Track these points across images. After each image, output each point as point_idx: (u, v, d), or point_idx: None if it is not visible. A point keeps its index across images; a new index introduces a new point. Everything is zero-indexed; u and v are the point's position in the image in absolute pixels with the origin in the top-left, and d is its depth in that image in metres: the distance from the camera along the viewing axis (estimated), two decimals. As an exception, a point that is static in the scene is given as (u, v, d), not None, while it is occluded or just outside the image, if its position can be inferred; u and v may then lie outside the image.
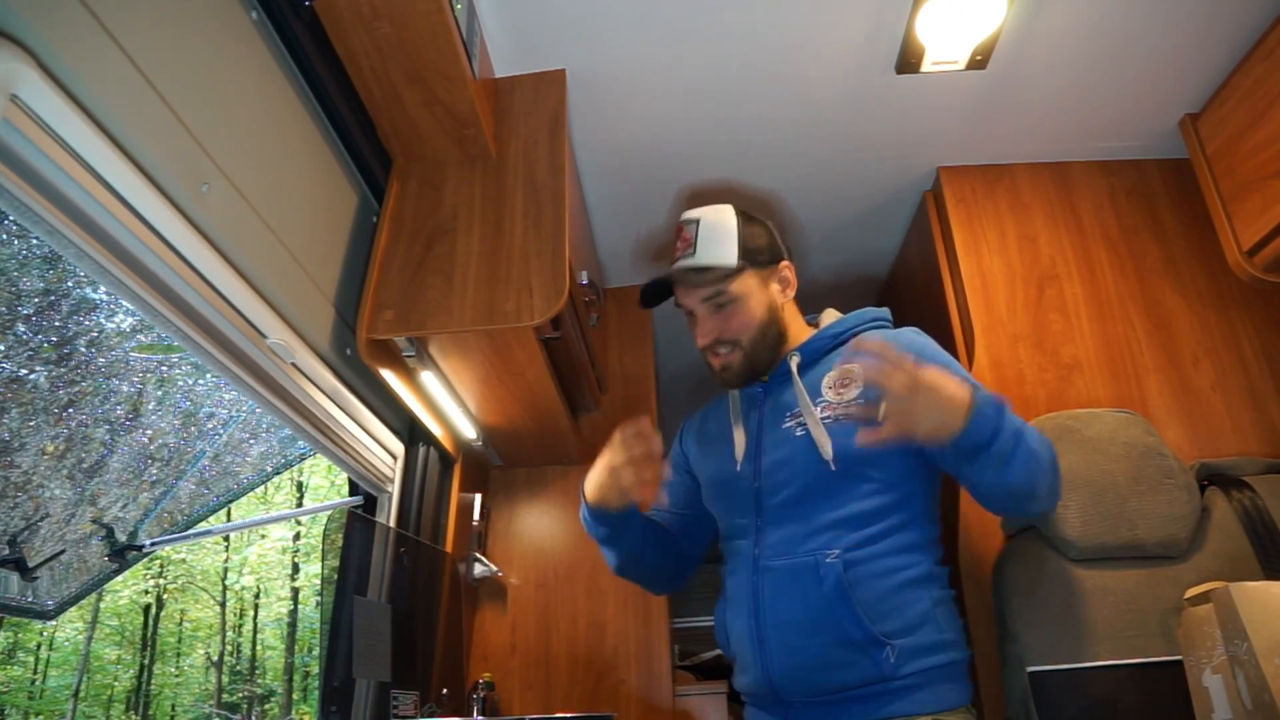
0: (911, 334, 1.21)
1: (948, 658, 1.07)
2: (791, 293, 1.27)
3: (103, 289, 1.68)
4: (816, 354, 1.22)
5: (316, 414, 1.41)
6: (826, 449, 1.10)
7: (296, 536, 11.51)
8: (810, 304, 1.35)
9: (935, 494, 1.18)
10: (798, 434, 1.15)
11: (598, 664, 2.00)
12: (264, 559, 11.77)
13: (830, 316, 1.29)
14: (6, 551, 1.49)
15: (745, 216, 1.25)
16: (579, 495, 1.21)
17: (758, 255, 1.23)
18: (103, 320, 1.77)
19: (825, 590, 1.05)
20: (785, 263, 1.27)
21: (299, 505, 11.41)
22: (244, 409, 2.11)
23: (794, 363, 1.21)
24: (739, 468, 1.22)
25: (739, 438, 1.24)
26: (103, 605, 10.32)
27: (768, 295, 1.23)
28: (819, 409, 1.15)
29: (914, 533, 1.11)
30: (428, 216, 1.55)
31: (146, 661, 11.04)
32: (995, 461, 0.97)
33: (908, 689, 1.04)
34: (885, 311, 1.29)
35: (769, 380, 1.24)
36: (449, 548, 1.83)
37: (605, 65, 1.69)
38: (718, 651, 3.00)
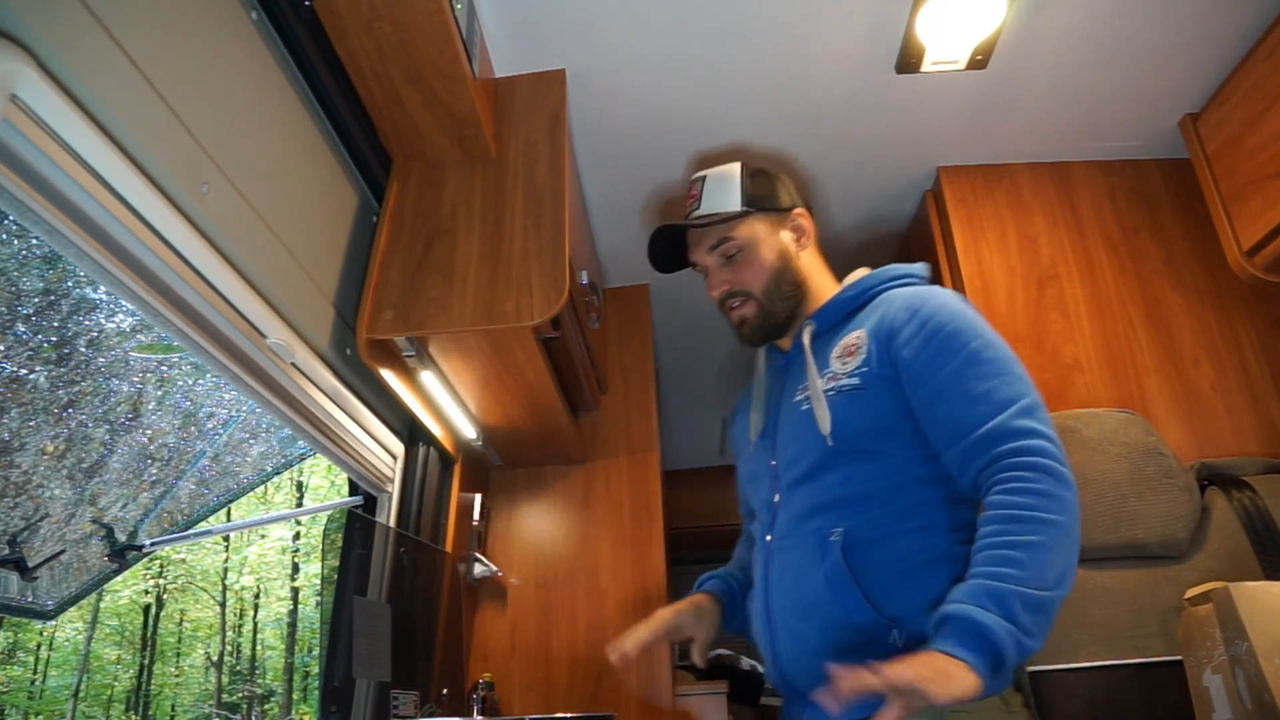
0: (932, 298, 1.04)
1: None
2: (807, 242, 1.19)
3: (103, 289, 1.68)
4: (832, 320, 1.13)
5: (316, 414, 1.41)
6: (824, 424, 1.03)
7: (296, 536, 11.51)
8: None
9: None
10: (803, 408, 1.08)
11: (598, 664, 2.00)
12: (264, 559, 11.78)
13: (857, 276, 1.17)
14: (6, 551, 1.49)
15: (752, 169, 1.21)
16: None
17: (763, 201, 1.18)
18: (103, 320, 1.77)
19: (826, 569, 0.98)
20: (800, 210, 1.20)
21: (299, 505, 11.41)
22: (244, 409, 2.11)
23: (807, 332, 1.12)
24: (753, 446, 1.18)
25: (755, 413, 1.19)
26: (103, 605, 10.32)
27: (778, 242, 1.17)
28: (824, 380, 1.06)
29: (936, 512, 0.99)
30: (428, 216, 1.55)
31: (146, 661, 11.04)
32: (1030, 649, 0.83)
33: None
34: (917, 268, 1.16)
35: (791, 349, 1.16)
36: (449, 548, 1.83)
37: (606, 65, 1.69)
38: (718, 651, 3.00)
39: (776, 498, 1.10)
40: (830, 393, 1.05)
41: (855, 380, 1.03)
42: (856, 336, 1.07)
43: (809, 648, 1.00)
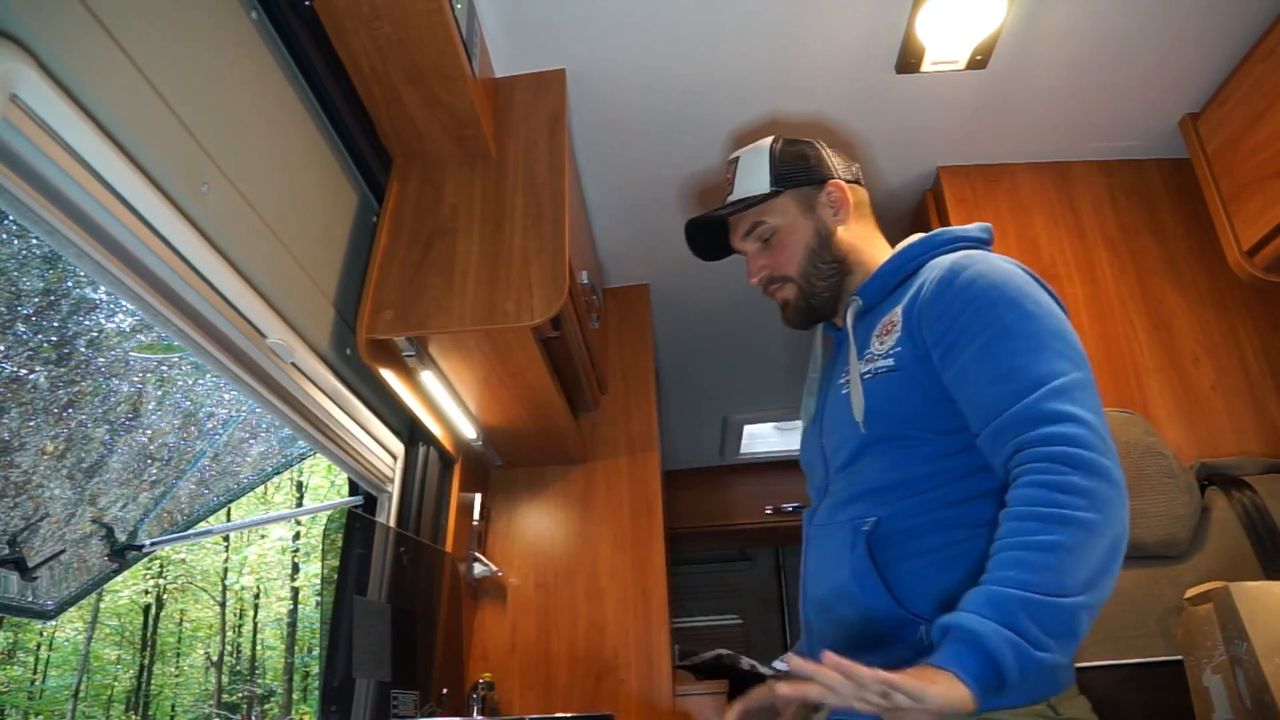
0: (972, 266, 0.93)
1: None
2: (847, 214, 1.12)
3: (103, 289, 1.68)
4: (878, 294, 1.06)
5: (316, 414, 1.41)
6: (858, 410, 0.97)
7: (296, 536, 11.52)
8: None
9: None
10: (844, 393, 1.02)
11: (598, 664, 2.00)
12: (264, 559, 11.78)
13: (907, 243, 1.10)
14: (6, 551, 1.49)
15: (786, 141, 1.16)
16: None
17: (795, 176, 1.12)
18: (103, 320, 1.77)
19: (855, 560, 0.92)
20: (835, 181, 1.12)
21: (299, 505, 11.41)
22: (244, 409, 2.11)
23: (851, 310, 1.06)
24: (806, 431, 1.14)
25: (808, 396, 1.14)
26: (103, 605, 10.32)
27: (814, 219, 1.11)
28: (864, 362, 1.00)
29: (974, 507, 0.90)
30: (428, 216, 1.55)
31: (146, 661, 11.05)
32: (1050, 665, 0.72)
33: None
34: (973, 229, 1.07)
35: (844, 327, 1.09)
36: (449, 548, 1.83)
37: (605, 65, 1.69)
38: (718, 651, 3.00)
39: (828, 484, 1.06)
40: (867, 375, 0.98)
41: (890, 361, 0.96)
42: (894, 313, 1.00)
43: (838, 641, 0.95)
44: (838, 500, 1.02)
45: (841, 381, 1.04)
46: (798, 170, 1.12)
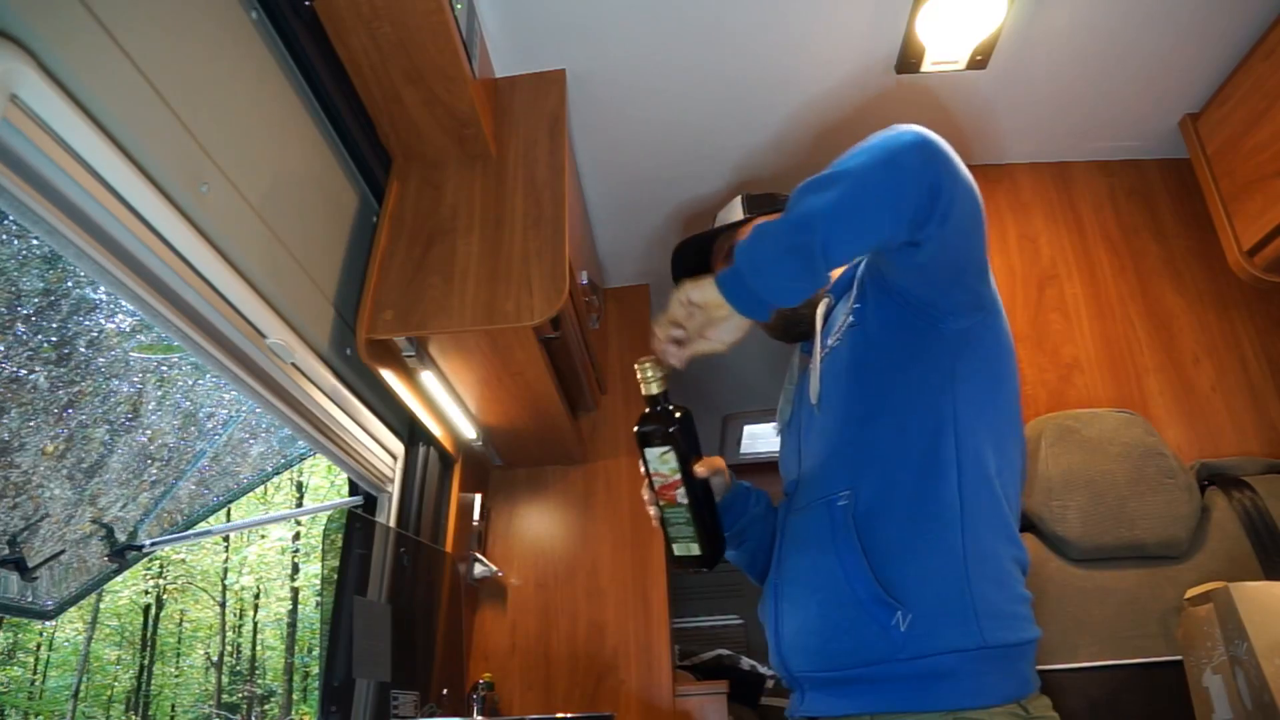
0: None
1: (984, 637, 0.86)
2: None
3: (103, 289, 1.68)
4: (847, 286, 1.12)
5: (316, 414, 1.41)
6: (814, 390, 1.03)
7: (296, 536, 11.51)
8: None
9: (998, 431, 0.97)
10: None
11: (598, 664, 2.00)
12: (264, 559, 11.78)
13: None
14: (6, 551, 1.49)
15: (751, 194, 1.33)
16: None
17: (765, 207, 1.26)
18: (103, 320, 1.77)
19: (834, 536, 0.93)
20: None
21: (299, 505, 11.41)
22: (244, 409, 2.11)
23: (822, 305, 1.12)
24: (784, 429, 1.19)
25: (784, 402, 1.21)
26: (103, 605, 10.32)
27: None
28: (827, 339, 1.07)
29: (948, 489, 0.92)
30: (428, 216, 1.55)
31: (146, 662, 11.04)
32: (815, 235, 0.81)
33: (922, 676, 0.86)
34: None
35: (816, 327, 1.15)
36: (449, 548, 1.83)
37: (605, 65, 1.69)
38: (718, 651, 3.00)
39: (799, 479, 1.09)
40: (825, 353, 1.06)
41: (851, 319, 1.02)
42: (851, 291, 1.06)
43: (809, 625, 0.96)
44: (811, 483, 1.05)
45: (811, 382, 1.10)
46: (766, 202, 1.30)
